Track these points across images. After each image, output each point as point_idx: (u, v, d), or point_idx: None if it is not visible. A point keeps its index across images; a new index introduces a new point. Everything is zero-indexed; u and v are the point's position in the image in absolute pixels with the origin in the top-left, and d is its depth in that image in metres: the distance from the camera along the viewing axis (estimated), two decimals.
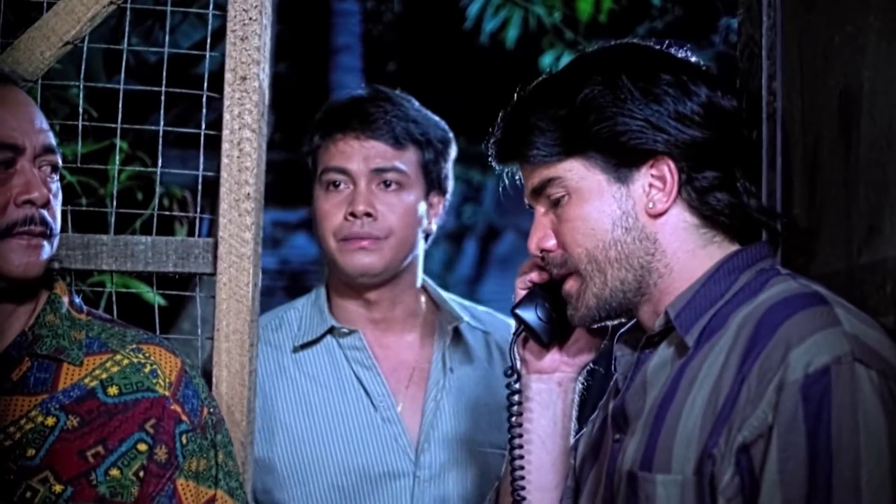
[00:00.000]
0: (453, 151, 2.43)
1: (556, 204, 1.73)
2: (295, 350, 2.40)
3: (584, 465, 1.85)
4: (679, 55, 1.76)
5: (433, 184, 2.39)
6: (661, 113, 1.67)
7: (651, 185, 1.69)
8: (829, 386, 1.49)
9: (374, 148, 2.34)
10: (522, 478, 1.85)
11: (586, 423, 1.91)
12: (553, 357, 1.88)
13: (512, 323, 1.91)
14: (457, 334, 2.43)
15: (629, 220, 1.69)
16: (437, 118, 2.44)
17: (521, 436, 1.86)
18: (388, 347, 2.41)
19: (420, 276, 2.45)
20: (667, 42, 1.79)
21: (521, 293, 1.88)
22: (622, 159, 1.69)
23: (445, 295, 2.48)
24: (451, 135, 2.44)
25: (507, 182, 1.84)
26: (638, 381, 1.71)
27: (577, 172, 1.71)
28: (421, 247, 2.43)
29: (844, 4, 1.89)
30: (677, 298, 1.68)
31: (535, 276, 1.86)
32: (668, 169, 1.68)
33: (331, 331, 2.40)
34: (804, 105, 2.02)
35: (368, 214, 2.31)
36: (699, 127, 1.68)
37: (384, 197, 2.33)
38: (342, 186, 2.34)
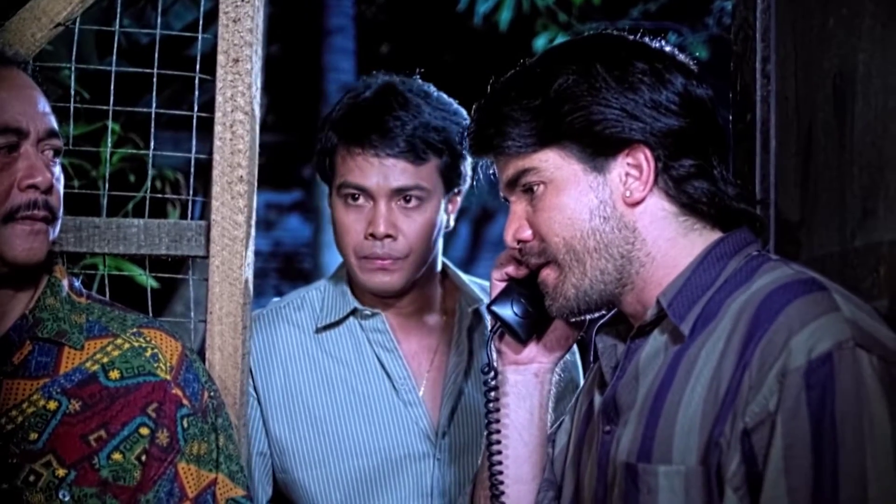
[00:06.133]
0: None
1: (531, 194, 1.71)
2: (318, 331, 2.39)
3: (567, 458, 1.83)
4: (653, 44, 1.74)
5: (452, 185, 2.36)
6: (637, 101, 1.66)
7: (627, 174, 1.67)
8: (832, 372, 1.48)
9: (395, 166, 2.29)
10: (501, 472, 1.84)
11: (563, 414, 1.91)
12: (530, 348, 1.87)
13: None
14: (476, 316, 2.42)
15: (607, 209, 1.67)
16: (455, 108, 2.36)
17: (498, 431, 1.85)
18: (410, 331, 2.40)
19: (439, 263, 2.44)
20: (640, 31, 1.77)
21: (499, 286, 1.86)
22: (598, 148, 1.67)
23: (465, 277, 2.47)
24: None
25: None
26: (629, 371, 1.69)
27: (553, 162, 1.69)
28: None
29: None
30: (668, 287, 1.66)
31: (511, 269, 1.84)
32: (644, 157, 1.66)
33: (354, 312, 2.39)
34: (798, 88, 2.02)
35: (389, 236, 2.29)
36: (675, 115, 1.66)
37: (404, 214, 2.30)
38: (361, 201, 2.31)
